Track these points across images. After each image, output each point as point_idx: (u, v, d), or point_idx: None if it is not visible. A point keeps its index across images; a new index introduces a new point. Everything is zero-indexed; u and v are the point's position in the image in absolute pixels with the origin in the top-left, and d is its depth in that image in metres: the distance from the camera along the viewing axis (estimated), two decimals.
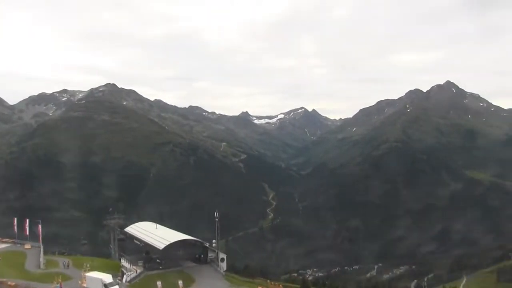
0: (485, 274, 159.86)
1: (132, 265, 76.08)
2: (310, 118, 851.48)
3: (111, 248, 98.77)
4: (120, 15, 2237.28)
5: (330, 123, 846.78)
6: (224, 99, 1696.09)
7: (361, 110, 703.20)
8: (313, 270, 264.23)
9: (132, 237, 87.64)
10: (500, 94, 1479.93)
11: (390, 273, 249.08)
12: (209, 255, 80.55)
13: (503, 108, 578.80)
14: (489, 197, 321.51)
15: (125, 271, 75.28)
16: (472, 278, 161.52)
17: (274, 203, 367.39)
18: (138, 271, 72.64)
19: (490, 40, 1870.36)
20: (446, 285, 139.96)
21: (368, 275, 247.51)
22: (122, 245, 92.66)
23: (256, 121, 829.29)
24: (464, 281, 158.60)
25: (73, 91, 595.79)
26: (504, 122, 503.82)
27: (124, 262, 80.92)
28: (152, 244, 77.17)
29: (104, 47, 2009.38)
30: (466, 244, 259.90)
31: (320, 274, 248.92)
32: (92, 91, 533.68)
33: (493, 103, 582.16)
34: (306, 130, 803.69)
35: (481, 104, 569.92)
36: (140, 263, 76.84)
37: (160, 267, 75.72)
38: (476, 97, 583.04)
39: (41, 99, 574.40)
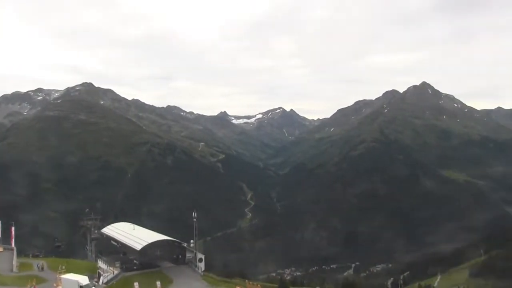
0: (458, 271, 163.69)
1: (109, 266, 75.15)
2: (288, 118, 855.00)
3: (88, 250, 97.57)
4: (97, 14, 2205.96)
5: (308, 123, 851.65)
6: (202, 99, 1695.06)
7: (339, 111, 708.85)
8: (291, 269, 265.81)
9: (109, 238, 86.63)
10: (474, 96, 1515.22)
11: (367, 272, 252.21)
12: (187, 255, 79.99)
13: (476, 109, 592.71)
14: (462, 196, 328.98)
15: (102, 273, 74.42)
16: (445, 275, 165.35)
17: (253, 203, 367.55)
18: (115, 272, 71.79)
19: (463, 43, 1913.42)
20: (421, 283, 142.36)
21: (345, 273, 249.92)
22: (99, 246, 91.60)
23: (234, 121, 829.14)
24: (438, 278, 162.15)
25: (49, 90, 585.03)
26: (477, 123, 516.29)
27: (101, 263, 79.92)
28: (130, 244, 76.32)
29: (80, 45, 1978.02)
30: (442, 242, 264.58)
31: (298, 273, 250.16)
32: (68, 90, 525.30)
33: (467, 104, 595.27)
34: (284, 130, 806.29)
35: (456, 105, 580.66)
36: (117, 264, 75.88)
37: (137, 268, 75.03)
38: (451, 98, 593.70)
39: (15, 98, 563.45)
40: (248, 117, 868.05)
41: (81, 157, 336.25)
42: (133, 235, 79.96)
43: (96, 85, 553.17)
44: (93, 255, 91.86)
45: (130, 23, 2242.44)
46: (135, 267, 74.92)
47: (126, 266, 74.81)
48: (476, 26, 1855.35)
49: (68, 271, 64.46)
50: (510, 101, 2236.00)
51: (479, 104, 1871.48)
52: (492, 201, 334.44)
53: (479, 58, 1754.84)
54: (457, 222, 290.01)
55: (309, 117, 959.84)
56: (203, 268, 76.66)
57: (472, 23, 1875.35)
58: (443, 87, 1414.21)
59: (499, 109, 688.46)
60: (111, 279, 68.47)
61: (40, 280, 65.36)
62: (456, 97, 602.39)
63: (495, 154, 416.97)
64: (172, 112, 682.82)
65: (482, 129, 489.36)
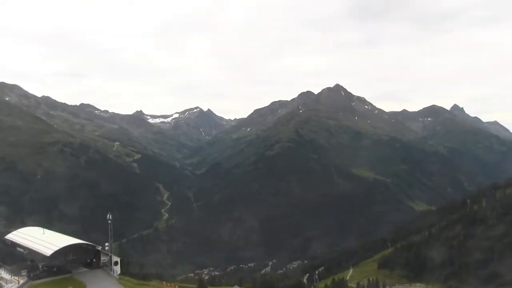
0: (368, 264, 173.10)
1: (14, 276, 70.45)
2: (205, 117, 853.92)
3: None
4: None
5: (225, 123, 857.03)
6: (117, 97, 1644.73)
7: (255, 111, 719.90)
8: (209, 269, 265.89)
9: (14, 245, 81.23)
10: (382, 98, 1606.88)
11: (284, 269, 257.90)
12: (102, 259, 77.06)
13: (385, 111, 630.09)
14: (372, 193, 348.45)
15: (4, 284, 69.43)
16: (357, 268, 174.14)
17: (169, 203, 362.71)
18: (21, 281, 67.48)
19: (372, 48, 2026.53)
20: (335, 276, 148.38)
21: (263, 271, 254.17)
22: (2, 255, 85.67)
23: (150, 120, 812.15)
24: (351, 271, 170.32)
25: None
26: (386, 124, 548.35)
27: (3, 274, 74.69)
28: (38, 250, 72.01)
29: None
30: (358, 236, 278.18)
31: (216, 273, 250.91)
32: None
33: (377, 106, 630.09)
34: (201, 129, 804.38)
35: (367, 107, 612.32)
36: (24, 272, 71.36)
37: (47, 275, 71.15)
38: (362, 101, 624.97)
39: None
40: (165, 117, 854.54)
41: None
42: (43, 240, 75.59)
43: (0, 80, 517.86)
44: None
45: (39, 19, 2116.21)
46: (42, 274, 71.04)
47: (33, 274, 70.68)
48: (383, 34, 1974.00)
49: None
50: (414, 104, 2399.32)
51: (387, 106, 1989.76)
52: (398, 197, 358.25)
53: (385, 63, 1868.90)
54: (367, 218, 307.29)
55: (226, 117, 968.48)
56: (119, 272, 74.45)
57: (381, 31, 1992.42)
58: (355, 90, 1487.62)
59: (404, 111, 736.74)
60: None
61: None
62: (367, 99, 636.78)
63: (401, 153, 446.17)
64: (85, 111, 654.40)
65: (390, 130, 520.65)
